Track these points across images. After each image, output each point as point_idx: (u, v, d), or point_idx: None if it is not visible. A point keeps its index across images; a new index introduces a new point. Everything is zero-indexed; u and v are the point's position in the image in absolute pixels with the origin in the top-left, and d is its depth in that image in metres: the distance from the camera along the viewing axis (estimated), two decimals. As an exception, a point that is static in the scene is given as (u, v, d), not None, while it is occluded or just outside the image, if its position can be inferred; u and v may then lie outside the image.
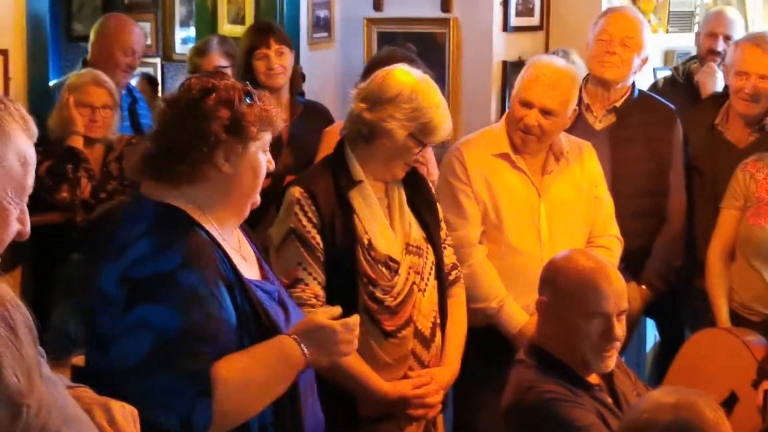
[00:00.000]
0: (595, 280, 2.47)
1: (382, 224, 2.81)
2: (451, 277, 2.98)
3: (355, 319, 2.21)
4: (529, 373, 2.49)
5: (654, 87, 4.45)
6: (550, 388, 2.43)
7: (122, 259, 2.06)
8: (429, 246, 2.88)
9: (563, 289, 2.48)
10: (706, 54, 4.44)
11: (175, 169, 2.12)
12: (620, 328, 2.47)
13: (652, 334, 4.53)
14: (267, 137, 2.20)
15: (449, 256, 3.00)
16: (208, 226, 2.15)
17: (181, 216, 2.13)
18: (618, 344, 2.49)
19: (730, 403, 3.04)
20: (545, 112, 3.21)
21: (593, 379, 2.53)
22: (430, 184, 3.07)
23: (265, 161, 2.20)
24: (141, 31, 4.60)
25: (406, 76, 2.79)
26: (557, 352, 2.49)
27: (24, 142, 1.57)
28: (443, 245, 2.97)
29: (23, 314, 0.98)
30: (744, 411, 3.01)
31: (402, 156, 2.79)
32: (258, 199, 2.24)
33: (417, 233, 2.87)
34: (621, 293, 2.49)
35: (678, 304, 3.98)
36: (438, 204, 3.01)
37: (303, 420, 2.20)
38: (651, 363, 4.55)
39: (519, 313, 3.23)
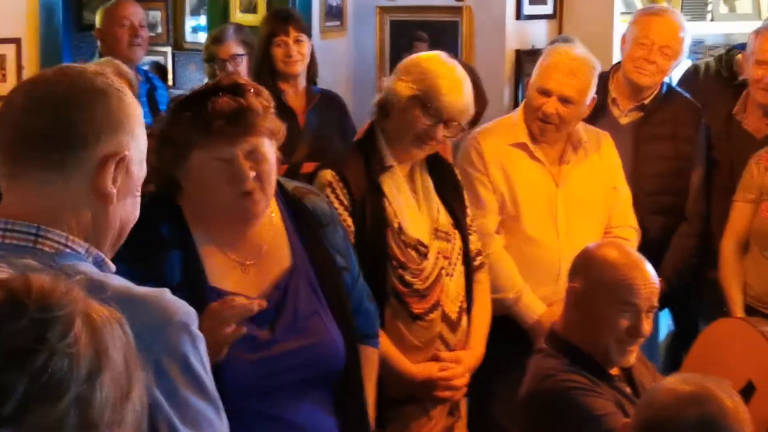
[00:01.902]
0: (630, 275, 2.46)
1: (412, 209, 2.84)
2: (476, 263, 3.00)
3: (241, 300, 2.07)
4: (549, 362, 2.49)
5: (693, 74, 4.34)
6: (570, 377, 2.43)
7: None
8: (456, 232, 2.90)
9: (597, 278, 2.48)
10: None
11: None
12: (648, 325, 2.48)
13: (665, 323, 4.52)
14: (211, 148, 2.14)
15: (474, 242, 3.00)
16: (195, 227, 2.17)
17: (162, 208, 2.16)
18: (642, 340, 2.48)
19: (747, 393, 3.03)
20: (564, 100, 3.20)
21: (613, 370, 2.53)
22: (456, 172, 3.07)
23: (214, 178, 2.14)
24: (136, 6, 4.56)
25: (430, 54, 2.89)
26: (579, 342, 2.49)
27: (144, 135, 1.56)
28: (468, 231, 2.98)
29: (140, 378, 0.95)
30: (761, 400, 3.00)
31: (409, 124, 2.78)
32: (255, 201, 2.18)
33: (445, 219, 2.89)
34: (654, 290, 2.49)
35: (692, 294, 3.96)
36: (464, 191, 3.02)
37: None
38: (664, 353, 4.54)
39: (536, 303, 3.22)
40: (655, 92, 3.73)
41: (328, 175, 2.77)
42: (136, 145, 1.51)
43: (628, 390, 2.53)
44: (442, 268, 2.84)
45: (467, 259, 2.92)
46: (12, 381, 0.83)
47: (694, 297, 3.97)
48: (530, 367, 2.54)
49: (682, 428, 1.89)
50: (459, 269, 2.89)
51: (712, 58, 4.39)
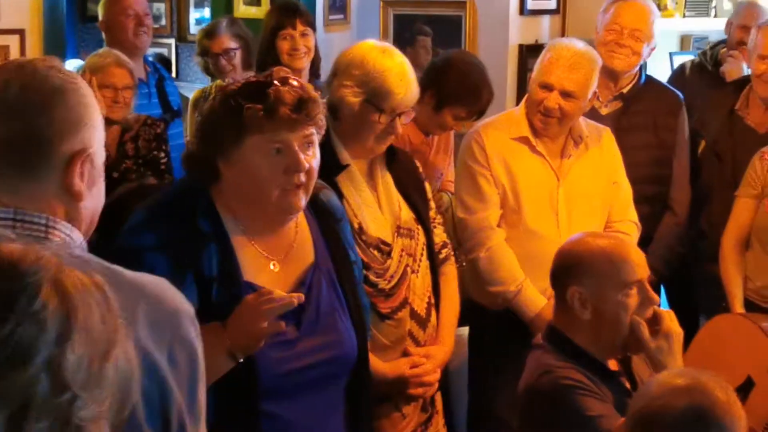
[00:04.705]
0: (622, 254, 2.47)
1: (372, 207, 2.77)
2: (441, 256, 2.96)
3: (279, 293, 2.06)
4: (547, 358, 2.48)
5: (681, 72, 4.38)
6: (567, 374, 2.42)
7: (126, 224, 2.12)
8: (419, 227, 2.85)
9: (595, 271, 2.47)
10: (737, 45, 4.37)
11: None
12: (652, 291, 2.50)
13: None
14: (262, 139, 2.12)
15: (439, 235, 2.98)
16: (228, 220, 2.16)
17: (198, 202, 2.15)
18: (655, 307, 2.50)
19: (746, 388, 3.04)
20: (565, 95, 3.20)
21: (612, 365, 2.53)
22: (417, 164, 3.01)
23: (269, 166, 2.12)
24: None
25: (363, 45, 2.77)
26: (585, 341, 2.48)
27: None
28: (433, 224, 2.95)
29: (123, 339, 0.96)
30: (760, 395, 3.01)
31: (367, 127, 2.71)
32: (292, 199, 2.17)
33: (407, 215, 2.83)
34: (643, 261, 2.52)
35: (692, 290, 3.97)
36: (427, 183, 2.98)
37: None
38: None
39: (537, 296, 3.22)
40: (634, 81, 3.76)
41: None
42: (98, 135, 1.50)
43: (627, 385, 2.54)
44: (407, 265, 2.78)
45: (431, 253, 2.88)
46: None
47: (694, 292, 3.98)
48: (528, 363, 2.53)
49: (671, 417, 1.90)
50: (424, 265, 2.84)
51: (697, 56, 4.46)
